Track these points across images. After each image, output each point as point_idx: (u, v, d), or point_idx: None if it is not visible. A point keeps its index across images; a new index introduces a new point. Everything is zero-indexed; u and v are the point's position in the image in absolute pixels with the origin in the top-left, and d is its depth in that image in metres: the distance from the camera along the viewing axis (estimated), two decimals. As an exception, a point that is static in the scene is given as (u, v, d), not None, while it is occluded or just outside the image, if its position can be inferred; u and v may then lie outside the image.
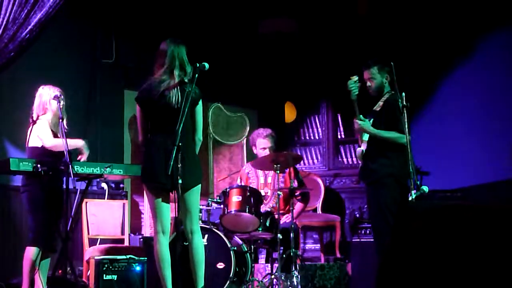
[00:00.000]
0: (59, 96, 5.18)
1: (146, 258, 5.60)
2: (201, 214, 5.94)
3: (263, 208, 6.14)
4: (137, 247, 6.35)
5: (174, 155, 4.22)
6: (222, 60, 7.88)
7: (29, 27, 5.89)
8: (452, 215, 1.89)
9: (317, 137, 8.81)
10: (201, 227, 5.67)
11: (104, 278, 5.44)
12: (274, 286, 5.65)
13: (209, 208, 6.07)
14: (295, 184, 6.28)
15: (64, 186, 4.88)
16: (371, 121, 5.25)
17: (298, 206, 6.47)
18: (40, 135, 5.23)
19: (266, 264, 6.37)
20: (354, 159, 8.29)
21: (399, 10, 7.81)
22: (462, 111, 7.30)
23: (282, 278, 5.61)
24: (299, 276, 5.69)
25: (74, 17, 7.01)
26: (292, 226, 5.75)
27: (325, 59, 8.53)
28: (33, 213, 5.20)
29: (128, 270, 5.53)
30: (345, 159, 8.62)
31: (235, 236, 5.94)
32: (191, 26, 7.86)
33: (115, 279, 5.48)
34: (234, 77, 8.45)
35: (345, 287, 6.19)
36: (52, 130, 5.32)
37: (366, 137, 5.26)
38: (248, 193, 5.88)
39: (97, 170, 5.06)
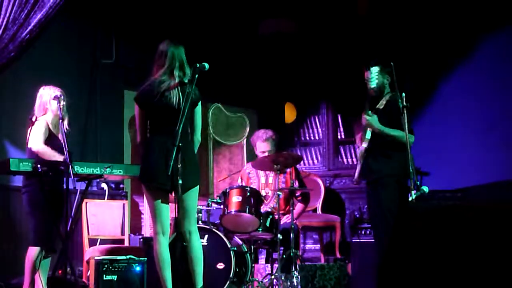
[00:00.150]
0: (59, 96, 5.18)
1: (146, 259, 5.59)
2: (201, 215, 5.94)
3: (264, 209, 6.14)
4: (137, 247, 6.35)
5: (174, 156, 4.22)
6: (222, 60, 7.88)
7: (29, 27, 5.88)
8: (452, 215, 1.89)
9: (317, 138, 8.81)
10: (201, 227, 5.70)
11: (104, 278, 5.44)
12: (274, 287, 5.65)
13: (209, 208, 6.07)
14: (296, 184, 6.28)
15: (64, 186, 4.87)
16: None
17: (299, 206, 6.47)
18: (31, 137, 5.23)
19: (266, 265, 6.37)
20: (354, 159, 8.29)
21: (399, 10, 7.81)
22: (462, 111, 7.30)
23: (282, 278, 5.61)
24: (299, 277, 5.70)
25: (74, 17, 7.02)
26: (292, 226, 5.75)
27: (325, 60, 8.53)
28: (34, 214, 5.20)
29: (128, 270, 5.53)
30: (345, 160, 8.62)
31: (235, 237, 5.94)
32: (191, 27, 7.86)
33: (115, 279, 5.47)
34: (234, 77, 8.45)
35: (345, 287, 6.19)
36: (51, 131, 5.31)
37: (368, 135, 5.25)
38: (248, 194, 5.88)
39: (97, 171, 5.06)
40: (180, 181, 4.30)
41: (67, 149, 4.84)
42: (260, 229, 5.86)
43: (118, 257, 5.58)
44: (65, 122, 5.22)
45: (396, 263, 1.91)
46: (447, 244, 1.85)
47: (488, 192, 6.53)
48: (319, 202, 7.80)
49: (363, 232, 6.30)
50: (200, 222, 5.86)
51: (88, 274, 5.76)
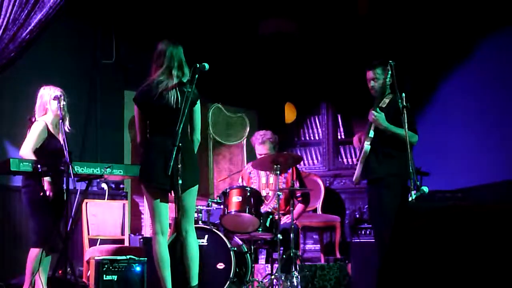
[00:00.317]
0: (59, 96, 5.18)
1: (146, 259, 5.60)
2: (201, 215, 5.94)
3: (264, 209, 6.14)
4: (137, 247, 6.35)
5: (174, 156, 4.22)
6: (222, 60, 7.88)
7: (30, 28, 5.88)
8: (452, 215, 1.89)
9: (317, 138, 8.81)
10: (201, 227, 5.70)
11: (104, 278, 5.44)
12: (274, 287, 5.65)
13: (209, 208, 6.07)
14: (297, 185, 6.28)
15: (65, 187, 4.87)
16: None
17: (299, 207, 6.47)
18: (25, 140, 5.24)
19: (266, 265, 6.38)
20: (354, 159, 8.29)
21: (400, 10, 7.81)
22: (462, 111, 7.30)
23: (282, 278, 5.61)
24: (299, 277, 5.69)
25: (74, 17, 7.02)
26: (292, 226, 5.75)
27: (325, 60, 8.53)
28: (34, 215, 5.20)
29: (128, 270, 5.53)
30: (345, 160, 8.62)
31: (235, 237, 5.94)
32: (191, 27, 7.86)
33: (115, 279, 5.48)
34: (234, 77, 8.45)
35: (345, 287, 6.19)
36: (50, 131, 5.31)
37: (371, 134, 5.25)
38: (248, 194, 5.88)
39: (97, 171, 5.06)
40: (180, 181, 4.30)
41: (67, 149, 4.84)
42: (260, 229, 5.87)
43: (118, 257, 5.58)
44: (66, 122, 5.22)
45: (395, 263, 1.91)
46: (447, 244, 1.85)
47: (488, 192, 6.53)
48: (319, 202, 7.80)
49: (363, 232, 6.31)
50: (200, 222, 5.86)
51: (88, 274, 5.76)
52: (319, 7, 8.40)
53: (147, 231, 7.28)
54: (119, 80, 7.64)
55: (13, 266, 6.06)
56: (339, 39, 8.39)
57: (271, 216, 5.97)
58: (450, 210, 1.90)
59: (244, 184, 6.43)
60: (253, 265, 5.91)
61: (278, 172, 5.83)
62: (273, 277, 5.71)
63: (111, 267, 5.47)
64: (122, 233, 6.43)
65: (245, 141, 8.46)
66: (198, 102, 4.67)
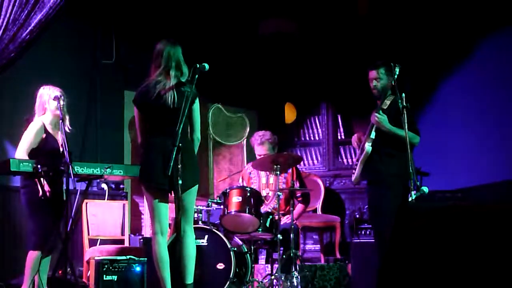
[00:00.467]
0: (59, 96, 5.17)
1: (146, 259, 5.59)
2: (201, 215, 5.94)
3: (264, 209, 6.14)
4: (137, 247, 6.35)
5: (174, 156, 4.22)
6: (222, 60, 7.88)
7: (30, 28, 5.88)
8: (451, 215, 1.89)
9: (317, 138, 8.81)
10: (201, 227, 5.70)
11: (104, 278, 5.44)
12: (274, 287, 5.65)
13: (209, 208, 6.07)
14: (297, 185, 6.28)
15: (65, 187, 4.87)
16: None
17: (299, 207, 6.47)
18: (20, 142, 5.24)
19: (266, 265, 6.38)
20: (354, 159, 8.29)
21: (400, 11, 7.81)
22: (462, 111, 7.30)
23: (282, 278, 5.60)
24: (299, 277, 5.69)
25: (74, 17, 7.02)
26: (292, 226, 5.75)
27: (325, 60, 8.53)
28: (33, 216, 5.19)
29: (128, 270, 5.53)
30: (345, 160, 8.62)
31: (235, 237, 5.94)
32: (191, 27, 7.87)
33: (115, 279, 5.48)
34: (234, 77, 8.45)
35: (345, 287, 6.19)
36: (48, 131, 5.29)
37: (373, 135, 5.25)
38: (248, 194, 5.88)
39: (97, 171, 5.06)
40: (180, 181, 4.30)
41: (67, 150, 4.84)
42: (260, 230, 5.86)
43: (118, 257, 5.59)
44: (66, 122, 5.21)
45: (395, 264, 1.91)
46: (447, 245, 1.85)
47: (488, 192, 6.53)
48: (319, 203, 7.80)
49: (363, 233, 6.30)
50: (200, 222, 5.87)
51: (88, 274, 5.76)
52: (319, 7, 8.40)
53: (147, 231, 7.28)
54: (119, 80, 7.64)
55: (13, 266, 6.05)
56: (339, 39, 8.39)
57: (271, 216, 5.97)
58: (450, 210, 1.90)
59: (244, 184, 6.43)
60: (253, 265, 5.91)
61: (278, 172, 5.83)
62: (273, 277, 5.70)
63: (111, 267, 5.47)
64: (122, 233, 6.43)
65: (245, 141, 8.46)
66: (197, 100, 4.65)
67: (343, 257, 7.03)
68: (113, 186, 6.85)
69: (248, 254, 5.85)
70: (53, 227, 5.12)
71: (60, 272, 4.86)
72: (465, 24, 7.33)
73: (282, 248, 5.73)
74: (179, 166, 4.27)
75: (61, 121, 5.06)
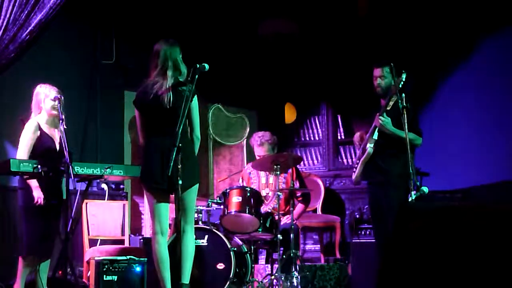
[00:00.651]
0: (59, 97, 5.16)
1: (146, 259, 5.59)
2: (201, 215, 5.94)
3: (264, 209, 6.14)
4: (137, 248, 6.35)
5: (174, 156, 4.22)
6: (222, 61, 7.87)
7: (30, 28, 5.88)
8: (451, 216, 1.89)
9: (317, 138, 8.81)
10: (201, 227, 5.70)
11: (104, 278, 5.44)
12: (274, 287, 5.65)
13: (209, 209, 6.07)
14: (297, 185, 6.28)
15: (65, 187, 4.87)
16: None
17: (299, 207, 6.47)
18: (19, 144, 5.23)
19: (266, 265, 6.38)
20: (354, 159, 8.29)
21: (399, 12, 7.81)
22: (462, 112, 7.30)
23: (282, 278, 5.61)
24: (299, 277, 5.70)
25: (74, 18, 7.02)
26: (292, 227, 5.75)
27: (325, 60, 8.53)
28: (25, 221, 5.19)
29: (128, 270, 5.53)
30: (345, 160, 8.61)
31: (235, 237, 5.94)
32: (191, 27, 7.86)
33: (115, 279, 5.47)
34: (234, 78, 8.45)
35: (345, 287, 6.19)
36: (43, 131, 5.27)
37: (375, 136, 5.25)
38: (248, 194, 5.88)
39: (97, 171, 5.06)
40: (180, 182, 4.30)
41: (67, 150, 4.84)
42: (260, 230, 5.87)
43: (118, 258, 5.58)
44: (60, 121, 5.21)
45: (395, 264, 1.91)
46: (447, 245, 1.85)
47: (488, 193, 6.53)
48: (319, 203, 7.80)
49: (363, 233, 6.31)
50: (200, 222, 5.87)
51: (88, 275, 5.76)
52: (318, 8, 8.40)
53: (147, 232, 7.28)
54: (119, 80, 7.64)
55: (13, 267, 6.04)
56: (339, 40, 8.39)
57: (271, 217, 5.97)
58: (450, 211, 1.90)
59: (244, 185, 6.43)
60: (253, 265, 5.91)
61: (278, 172, 5.83)
62: (273, 277, 5.71)
63: (111, 268, 5.47)
64: (122, 234, 6.43)
65: (245, 141, 8.46)
66: (195, 98, 4.63)
67: (343, 257, 7.03)
68: (113, 186, 6.85)
69: (248, 254, 5.85)
70: (46, 233, 5.11)
71: (60, 272, 4.86)
72: (465, 24, 7.33)
73: (282, 248, 5.73)
74: (179, 167, 4.28)
75: (61, 121, 5.05)
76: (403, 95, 4.87)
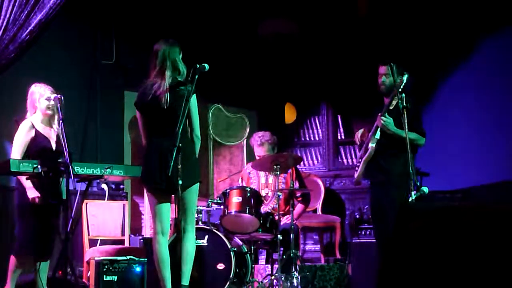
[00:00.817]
0: (59, 97, 5.15)
1: (146, 259, 5.60)
2: (201, 215, 5.94)
3: (264, 209, 6.13)
4: (137, 248, 6.35)
5: (174, 157, 4.22)
6: (222, 61, 7.87)
7: (29, 28, 5.88)
8: (451, 216, 1.89)
9: (317, 138, 8.81)
10: (201, 228, 5.70)
11: (105, 279, 5.44)
12: (274, 287, 5.65)
13: (209, 209, 6.07)
14: (297, 185, 6.28)
15: (65, 187, 4.87)
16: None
17: (299, 207, 6.46)
18: (13, 145, 5.22)
19: (266, 265, 6.38)
20: (354, 160, 8.29)
21: (399, 12, 7.81)
22: (462, 112, 7.30)
23: (282, 279, 5.61)
24: (299, 277, 5.70)
25: (74, 18, 7.01)
26: (292, 227, 5.75)
27: (325, 60, 8.53)
28: (19, 221, 5.19)
29: (128, 271, 5.53)
30: (345, 160, 8.61)
31: (235, 237, 5.94)
32: (190, 27, 7.86)
33: (115, 280, 5.47)
34: (234, 78, 8.45)
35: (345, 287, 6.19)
36: (38, 131, 5.26)
37: (378, 135, 5.25)
38: (248, 194, 5.88)
39: (97, 171, 5.06)
40: (180, 182, 4.30)
41: (67, 150, 4.83)
42: (260, 230, 5.87)
43: (118, 258, 5.58)
44: (55, 121, 5.20)
45: (395, 264, 1.91)
46: (447, 245, 1.85)
47: (488, 193, 6.53)
48: (319, 203, 7.80)
49: (363, 233, 6.31)
50: (200, 222, 5.86)
51: (88, 275, 5.76)
52: (318, 8, 8.40)
53: (147, 232, 7.28)
54: (119, 80, 7.64)
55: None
56: (339, 40, 8.39)
57: (271, 217, 5.97)
58: (450, 211, 1.90)
59: (244, 185, 6.43)
60: (253, 265, 5.91)
61: (278, 172, 5.83)
62: (273, 277, 5.71)
63: (111, 268, 5.47)
64: (122, 234, 6.43)
65: (245, 141, 8.46)
66: (194, 97, 4.62)
67: (343, 257, 7.03)
68: (113, 186, 6.85)
69: (248, 255, 5.85)
70: (43, 233, 5.11)
71: (60, 272, 4.86)
72: (465, 24, 7.32)
73: (282, 249, 5.73)
74: (179, 167, 4.28)
75: (61, 122, 5.04)
76: (403, 95, 4.88)
